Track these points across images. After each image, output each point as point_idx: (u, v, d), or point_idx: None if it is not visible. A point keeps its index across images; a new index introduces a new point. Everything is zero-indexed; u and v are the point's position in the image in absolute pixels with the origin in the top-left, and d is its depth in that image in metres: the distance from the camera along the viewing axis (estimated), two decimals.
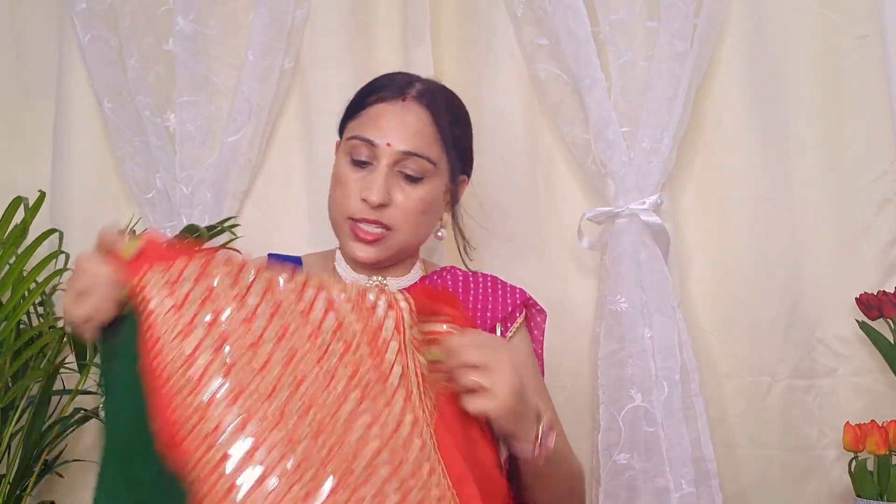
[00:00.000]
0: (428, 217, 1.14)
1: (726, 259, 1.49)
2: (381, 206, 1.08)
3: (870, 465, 1.34)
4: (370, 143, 1.10)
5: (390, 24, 1.55)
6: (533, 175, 1.53)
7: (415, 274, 1.19)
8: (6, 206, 1.35)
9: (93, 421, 1.42)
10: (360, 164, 1.11)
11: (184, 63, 1.48)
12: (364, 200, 1.08)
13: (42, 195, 1.33)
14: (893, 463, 1.32)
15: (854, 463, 1.34)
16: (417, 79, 1.17)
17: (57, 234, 1.42)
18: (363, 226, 1.09)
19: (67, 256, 1.40)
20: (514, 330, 1.16)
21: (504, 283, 1.20)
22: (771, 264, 1.47)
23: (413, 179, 1.10)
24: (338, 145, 1.19)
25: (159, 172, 1.49)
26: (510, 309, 1.16)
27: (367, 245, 1.09)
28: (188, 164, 1.48)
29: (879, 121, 1.48)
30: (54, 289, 1.43)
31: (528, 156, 1.53)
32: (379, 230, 1.09)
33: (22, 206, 1.34)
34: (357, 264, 1.14)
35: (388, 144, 1.09)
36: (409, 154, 1.09)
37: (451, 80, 1.26)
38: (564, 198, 1.53)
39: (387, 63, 1.53)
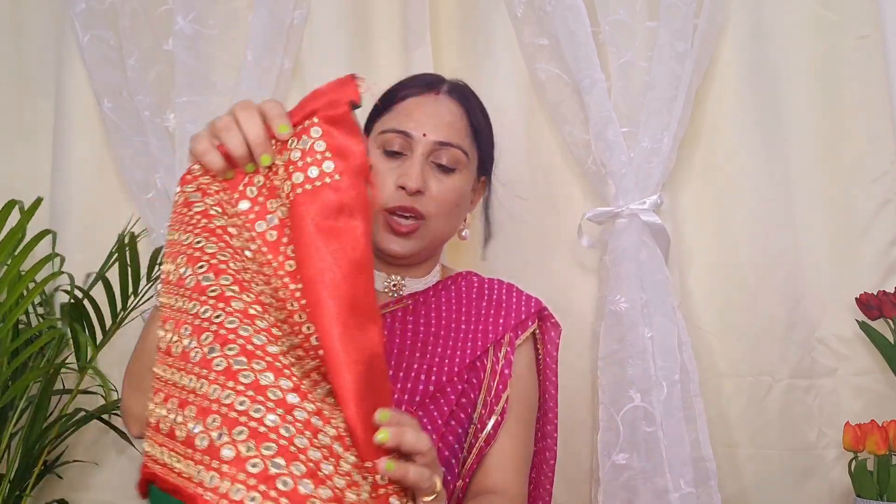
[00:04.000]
0: (458, 210, 1.14)
1: (726, 259, 1.49)
2: (418, 193, 1.08)
3: (870, 465, 1.34)
4: (405, 135, 1.10)
5: (390, 24, 1.55)
6: (533, 175, 1.53)
7: (434, 276, 1.18)
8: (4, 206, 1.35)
9: (93, 421, 1.42)
10: (392, 155, 1.11)
11: (184, 63, 1.48)
12: (401, 188, 1.08)
13: (38, 200, 1.33)
14: (893, 463, 1.32)
15: (854, 463, 1.34)
16: (445, 78, 1.19)
17: (51, 236, 1.41)
18: (398, 218, 1.09)
19: (62, 259, 1.40)
20: (523, 339, 1.14)
21: (520, 292, 1.19)
22: (771, 264, 1.47)
23: (447, 170, 1.11)
24: None
25: (159, 172, 1.49)
26: (523, 317, 1.15)
27: (403, 238, 1.09)
28: (188, 164, 1.47)
29: (879, 121, 1.48)
30: (55, 290, 1.43)
31: (528, 156, 1.53)
32: (413, 220, 1.09)
33: (17, 209, 1.33)
34: (383, 261, 1.14)
35: (424, 135, 1.10)
36: (443, 144, 1.10)
37: None
38: (564, 198, 1.53)
39: (387, 63, 1.53)
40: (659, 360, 1.37)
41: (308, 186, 0.78)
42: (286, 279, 0.79)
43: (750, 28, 1.50)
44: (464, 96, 1.17)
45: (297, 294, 0.78)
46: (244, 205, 0.81)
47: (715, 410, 1.46)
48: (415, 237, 1.10)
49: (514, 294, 1.18)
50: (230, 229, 0.79)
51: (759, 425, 1.46)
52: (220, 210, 0.80)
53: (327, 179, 0.78)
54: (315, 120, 0.79)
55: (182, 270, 0.76)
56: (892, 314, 1.39)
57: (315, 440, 0.69)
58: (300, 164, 0.78)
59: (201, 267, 0.75)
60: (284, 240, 0.80)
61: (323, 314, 0.75)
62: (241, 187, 0.82)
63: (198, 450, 0.68)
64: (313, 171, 0.78)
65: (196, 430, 0.68)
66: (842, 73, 1.49)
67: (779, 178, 1.48)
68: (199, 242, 0.77)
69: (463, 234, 1.19)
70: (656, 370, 1.37)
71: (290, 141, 0.79)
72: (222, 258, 0.76)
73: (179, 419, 0.70)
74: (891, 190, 1.48)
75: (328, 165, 0.78)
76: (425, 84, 1.16)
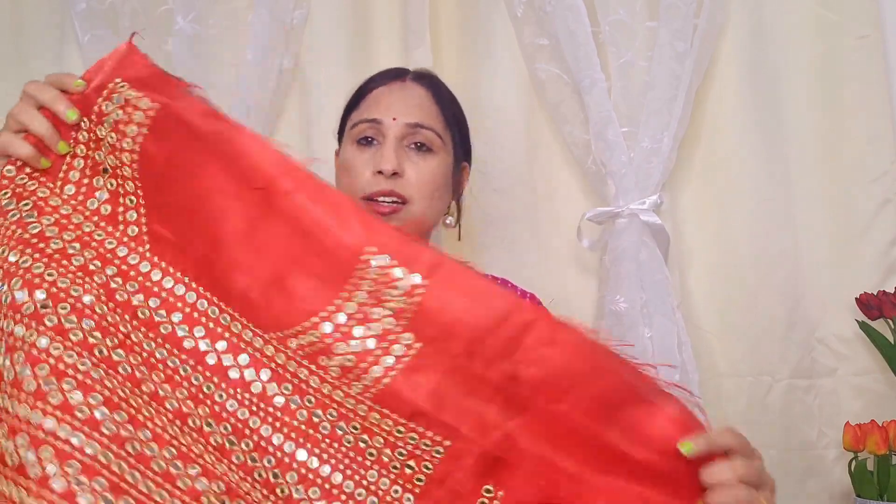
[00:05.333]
0: (439, 195, 1.12)
1: (726, 259, 1.49)
2: (395, 175, 1.06)
3: (870, 465, 1.34)
4: (375, 122, 1.09)
5: (390, 24, 1.55)
6: (533, 175, 1.53)
7: None
8: None
9: None
10: (366, 143, 1.10)
11: (183, 63, 1.47)
12: (378, 173, 1.06)
13: None
14: (893, 463, 1.32)
15: (854, 463, 1.34)
16: (410, 69, 1.20)
17: None
18: (377, 203, 1.06)
19: None
20: None
21: (514, 286, 1.18)
22: (771, 264, 1.47)
23: (423, 149, 1.09)
24: (338, 153, 1.19)
25: None
26: None
27: (385, 218, 1.06)
28: None
29: (879, 121, 1.48)
30: None
31: (528, 156, 1.53)
32: (394, 202, 1.07)
33: None
34: None
35: (394, 119, 1.09)
36: (415, 126, 1.09)
37: (451, 80, 1.26)
38: (564, 198, 1.53)
39: (387, 63, 1.51)
40: (658, 360, 1.37)
41: (144, 130, 0.80)
42: (133, 244, 0.81)
43: (750, 28, 1.50)
44: (431, 82, 1.17)
45: (148, 250, 0.81)
46: (70, 189, 0.82)
47: (715, 410, 1.45)
48: (395, 219, 1.07)
49: (509, 288, 1.16)
50: (48, 232, 0.79)
51: (760, 425, 1.46)
52: (35, 214, 0.80)
53: (151, 113, 0.80)
54: (117, 80, 0.81)
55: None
56: (892, 314, 1.39)
57: (121, 450, 0.71)
58: (126, 118, 0.80)
59: (16, 283, 0.76)
60: (121, 209, 0.81)
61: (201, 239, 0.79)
62: (61, 174, 0.83)
63: (8, 467, 0.69)
64: (138, 116, 0.80)
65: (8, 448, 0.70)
66: (842, 73, 1.49)
67: (779, 178, 1.48)
68: (14, 256, 0.77)
69: (447, 221, 1.18)
70: (655, 370, 1.36)
71: (103, 106, 0.81)
72: (36, 271, 0.76)
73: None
74: (891, 190, 1.47)
75: (145, 103, 0.80)
76: (391, 75, 1.17)
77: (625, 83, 1.44)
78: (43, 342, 0.73)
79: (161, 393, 0.76)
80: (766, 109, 1.49)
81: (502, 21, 1.52)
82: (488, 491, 0.76)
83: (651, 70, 1.43)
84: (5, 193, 0.81)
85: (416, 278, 0.75)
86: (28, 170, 0.81)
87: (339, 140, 1.19)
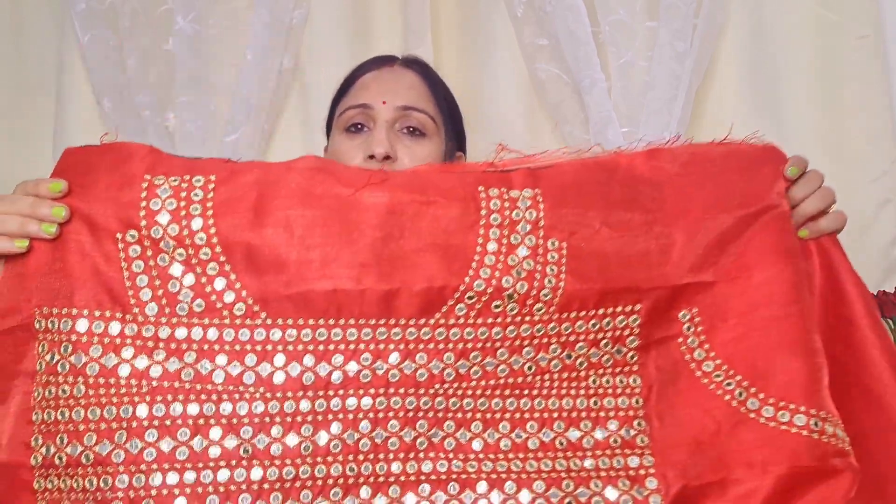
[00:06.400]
0: None
1: None
2: (388, 159, 1.02)
3: None
4: (364, 107, 1.06)
5: (390, 24, 1.55)
6: None
7: None
8: None
9: None
10: (356, 129, 1.07)
11: (183, 63, 1.48)
12: (370, 157, 1.02)
13: None
14: None
15: None
16: (399, 56, 1.18)
17: None
18: None
19: None
20: None
21: None
22: None
23: (416, 133, 1.06)
24: (326, 149, 1.17)
25: None
26: None
27: None
28: None
29: (879, 121, 1.48)
30: None
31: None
32: None
33: None
34: None
35: (384, 102, 1.05)
36: (407, 108, 1.06)
37: (451, 81, 1.26)
38: None
39: None
40: None
41: (210, 203, 0.79)
42: (248, 321, 0.77)
43: (750, 28, 1.50)
44: (421, 67, 1.14)
45: (266, 317, 0.77)
46: (152, 308, 0.76)
47: None
48: None
49: None
50: (170, 366, 0.75)
51: None
52: (146, 357, 0.75)
53: (211, 185, 0.80)
54: (146, 177, 0.78)
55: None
56: (892, 314, 1.39)
57: None
58: (185, 203, 0.78)
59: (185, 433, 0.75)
60: (213, 297, 0.76)
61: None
62: (133, 300, 0.76)
63: None
64: (197, 194, 0.79)
65: None
66: (842, 73, 1.49)
67: None
68: (159, 410, 0.74)
69: None
70: None
71: (151, 204, 0.77)
72: (191, 412, 0.75)
73: None
74: (891, 190, 1.47)
75: (198, 179, 0.80)
76: (380, 61, 1.14)
77: (625, 83, 1.44)
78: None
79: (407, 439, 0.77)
80: (766, 109, 1.49)
81: (502, 21, 1.52)
82: (684, 316, 0.80)
83: (651, 70, 1.43)
84: (96, 350, 0.75)
85: (528, 192, 0.79)
86: (97, 312, 0.75)
87: (328, 134, 1.18)
